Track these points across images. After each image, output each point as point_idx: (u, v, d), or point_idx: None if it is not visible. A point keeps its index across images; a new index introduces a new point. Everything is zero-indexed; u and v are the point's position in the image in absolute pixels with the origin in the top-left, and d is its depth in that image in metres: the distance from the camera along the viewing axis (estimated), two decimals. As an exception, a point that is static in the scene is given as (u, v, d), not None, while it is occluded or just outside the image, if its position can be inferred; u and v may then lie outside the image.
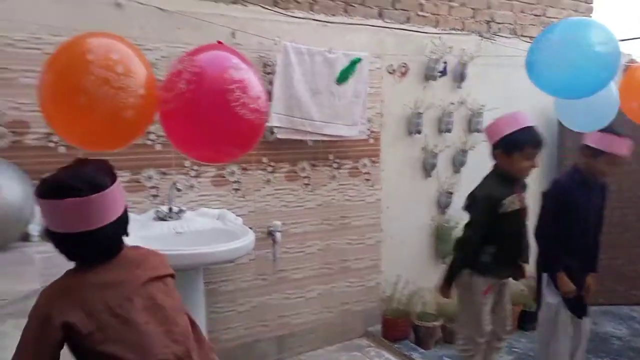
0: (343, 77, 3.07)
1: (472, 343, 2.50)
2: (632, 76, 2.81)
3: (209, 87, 1.66)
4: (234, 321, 2.99)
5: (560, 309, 2.71)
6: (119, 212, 1.41)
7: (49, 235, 1.36)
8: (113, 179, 1.40)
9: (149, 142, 2.65)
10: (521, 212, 2.40)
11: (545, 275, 2.74)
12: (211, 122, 1.69)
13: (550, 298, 2.73)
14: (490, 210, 2.31)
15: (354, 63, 3.07)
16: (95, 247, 1.38)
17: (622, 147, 2.56)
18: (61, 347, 1.32)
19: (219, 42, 1.90)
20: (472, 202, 2.40)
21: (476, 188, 2.43)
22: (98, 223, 1.34)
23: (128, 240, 1.57)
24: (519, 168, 2.29)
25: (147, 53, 2.56)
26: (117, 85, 1.55)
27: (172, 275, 1.56)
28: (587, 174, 2.65)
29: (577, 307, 2.73)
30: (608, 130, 2.54)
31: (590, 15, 4.39)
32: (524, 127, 2.29)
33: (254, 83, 1.74)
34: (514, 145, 2.26)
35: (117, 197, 1.40)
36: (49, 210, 1.33)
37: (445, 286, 2.54)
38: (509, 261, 2.44)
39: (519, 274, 2.58)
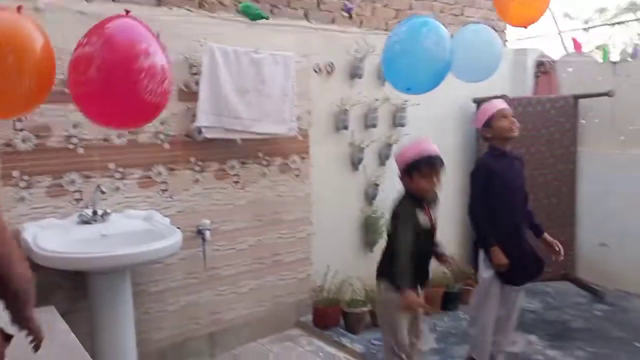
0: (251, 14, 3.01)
1: (394, 357, 2.56)
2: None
3: (119, 76, 1.84)
4: (165, 321, 3.02)
5: (493, 282, 2.94)
6: None
7: None
8: None
9: (71, 147, 2.62)
10: (432, 232, 2.54)
11: (481, 252, 2.99)
12: (119, 108, 1.91)
13: (484, 272, 2.98)
14: (412, 219, 2.44)
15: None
16: None
17: (498, 103, 2.99)
18: None
19: (127, 11, 1.96)
20: (395, 216, 2.51)
21: (395, 208, 2.54)
22: None
23: (52, 245, 1.55)
24: (419, 187, 2.44)
25: (68, 57, 2.55)
26: None
27: None
28: (500, 145, 2.94)
29: (513, 278, 2.95)
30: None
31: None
32: (420, 150, 2.46)
33: (161, 68, 1.91)
34: (411, 166, 2.44)
35: None
36: None
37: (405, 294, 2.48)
38: (421, 276, 2.54)
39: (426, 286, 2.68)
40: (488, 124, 2.94)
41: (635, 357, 3.32)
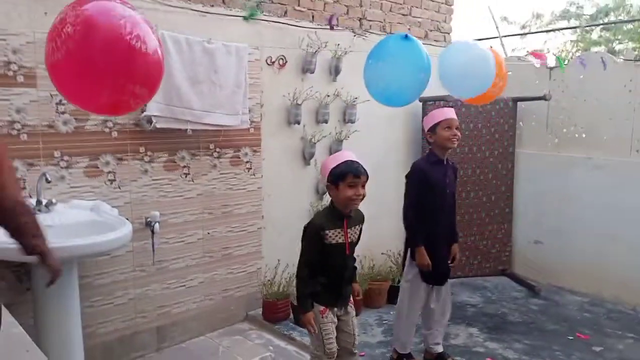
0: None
1: None
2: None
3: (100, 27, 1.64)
4: (111, 314, 2.93)
5: (416, 280, 3.08)
6: None
7: None
8: None
9: (14, 132, 2.50)
10: (347, 246, 2.51)
11: (409, 250, 3.11)
12: (108, 59, 1.61)
13: (409, 271, 3.12)
14: (316, 238, 2.45)
15: None
16: None
17: (447, 112, 3.04)
18: None
19: None
20: (304, 230, 2.52)
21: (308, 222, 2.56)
22: None
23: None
24: (345, 197, 2.42)
25: (11, 38, 2.44)
26: None
27: None
28: (439, 153, 3.05)
29: (434, 277, 3.09)
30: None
31: (451, 16, 4.82)
32: (346, 161, 2.46)
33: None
34: (338, 176, 2.44)
35: None
36: None
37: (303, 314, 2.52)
38: (335, 292, 2.54)
39: (345, 304, 2.60)
40: (433, 129, 3.03)
41: (569, 349, 3.51)
